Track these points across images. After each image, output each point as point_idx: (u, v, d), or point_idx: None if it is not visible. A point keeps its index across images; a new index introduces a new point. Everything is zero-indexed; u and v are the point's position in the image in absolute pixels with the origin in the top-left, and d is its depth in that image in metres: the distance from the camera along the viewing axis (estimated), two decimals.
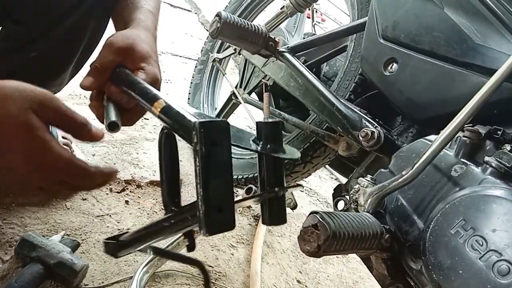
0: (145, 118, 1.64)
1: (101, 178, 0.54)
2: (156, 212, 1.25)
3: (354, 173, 1.01)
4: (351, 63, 1.15)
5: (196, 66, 1.82)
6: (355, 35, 1.11)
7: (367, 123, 0.88)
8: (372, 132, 0.84)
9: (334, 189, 1.05)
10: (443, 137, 0.67)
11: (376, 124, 0.89)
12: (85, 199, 1.16)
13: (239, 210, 1.44)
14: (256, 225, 1.43)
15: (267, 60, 1.24)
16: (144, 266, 1.02)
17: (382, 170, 0.83)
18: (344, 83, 1.15)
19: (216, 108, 1.70)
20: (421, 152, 0.70)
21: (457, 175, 0.70)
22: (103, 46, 0.65)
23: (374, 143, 0.85)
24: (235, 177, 1.34)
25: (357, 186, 0.78)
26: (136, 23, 0.73)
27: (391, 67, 0.87)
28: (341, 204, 1.02)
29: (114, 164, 1.30)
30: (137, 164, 1.35)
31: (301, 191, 1.71)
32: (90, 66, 0.63)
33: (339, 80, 1.17)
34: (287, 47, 1.09)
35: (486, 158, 0.67)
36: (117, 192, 1.23)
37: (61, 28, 0.84)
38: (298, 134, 1.21)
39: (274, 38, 1.10)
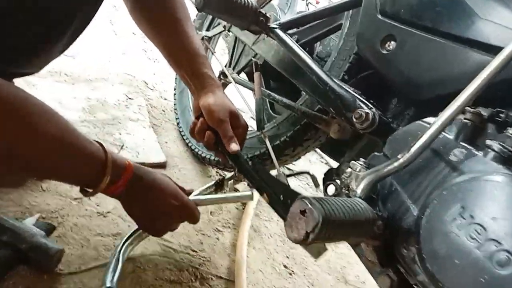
0: (129, 98, 1.58)
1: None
2: None
3: (346, 156, 0.97)
4: (346, 42, 1.10)
5: None
6: (351, 11, 1.05)
7: (362, 104, 0.83)
8: (367, 114, 0.80)
9: (325, 174, 1.00)
10: (442, 119, 0.62)
11: (371, 105, 0.84)
12: None
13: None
14: (243, 209, 1.39)
15: (258, 38, 1.18)
16: (127, 238, 0.96)
17: (376, 153, 0.78)
18: (338, 63, 1.10)
19: None
20: (418, 135, 0.65)
21: (456, 160, 0.65)
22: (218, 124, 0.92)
23: (368, 125, 0.80)
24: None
25: (349, 170, 0.74)
26: (210, 85, 0.96)
27: (388, 45, 0.82)
28: (331, 189, 0.98)
29: None
30: (119, 145, 1.29)
31: (289, 175, 1.67)
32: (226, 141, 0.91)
33: (332, 60, 1.12)
34: (279, 23, 1.03)
35: (488, 142, 0.63)
36: None
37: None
38: (289, 115, 1.16)
39: (265, 13, 1.04)
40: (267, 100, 1.25)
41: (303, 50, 0.98)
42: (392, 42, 0.82)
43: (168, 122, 1.60)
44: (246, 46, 1.28)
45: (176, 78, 1.71)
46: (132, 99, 1.58)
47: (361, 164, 0.73)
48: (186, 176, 1.39)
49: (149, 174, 0.79)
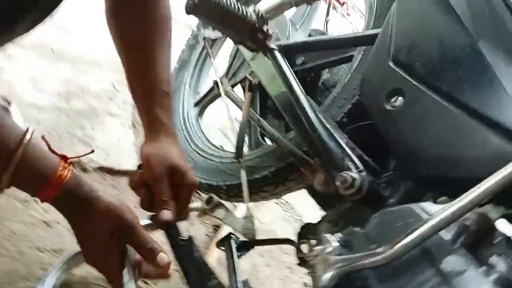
0: (115, 89, 1.45)
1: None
2: None
3: (328, 215, 0.83)
4: (353, 79, 0.96)
5: (188, 41, 1.61)
6: (364, 47, 0.91)
7: (350, 165, 0.69)
8: (353, 180, 0.66)
9: (301, 228, 0.87)
10: (445, 215, 0.49)
11: (362, 167, 0.70)
12: None
13: (199, 219, 1.26)
14: (215, 237, 1.26)
15: (257, 53, 1.04)
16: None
17: (356, 230, 0.65)
18: (339, 101, 0.96)
19: (199, 93, 1.50)
20: (410, 225, 0.52)
21: (448, 270, 0.51)
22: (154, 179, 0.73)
23: (353, 193, 0.66)
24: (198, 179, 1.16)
25: (318, 248, 0.60)
26: (157, 130, 0.77)
27: (395, 100, 0.68)
28: (305, 248, 0.85)
29: (61, 138, 1.11)
30: (89, 143, 1.17)
31: (276, 203, 1.54)
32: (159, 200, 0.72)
33: (334, 96, 0.98)
34: (279, 44, 0.89)
35: (494, 259, 0.49)
36: None
37: None
38: (276, 148, 1.03)
39: (266, 30, 0.90)
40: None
41: (297, 82, 0.84)
42: (400, 98, 0.67)
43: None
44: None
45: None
46: (119, 91, 1.46)
47: (335, 243, 0.60)
48: None
49: (87, 194, 0.59)
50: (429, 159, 0.62)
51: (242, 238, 0.87)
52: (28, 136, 0.52)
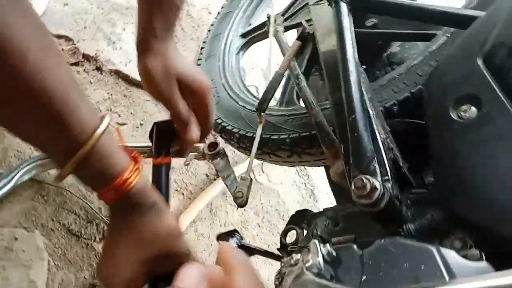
0: None
1: None
2: (100, 110, 0.99)
3: (330, 209, 0.70)
4: (424, 63, 0.77)
5: None
6: (453, 29, 0.72)
7: (377, 168, 0.55)
8: (372, 189, 0.51)
9: (296, 212, 0.75)
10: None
11: (389, 176, 0.56)
12: None
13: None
14: (214, 180, 1.17)
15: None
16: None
17: (353, 248, 0.52)
18: (398, 84, 0.78)
19: (250, 24, 1.34)
20: (422, 273, 0.39)
21: None
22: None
23: (367, 204, 0.52)
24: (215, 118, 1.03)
25: (295, 257, 0.48)
26: (159, 37, 0.61)
27: (465, 109, 0.51)
28: (291, 235, 0.74)
29: (85, 28, 1.01)
30: (114, 42, 1.06)
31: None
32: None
33: (394, 76, 0.80)
34: None
35: None
36: (67, 63, 0.96)
37: None
38: (305, 114, 0.88)
39: None
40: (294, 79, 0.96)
41: (353, 49, 0.67)
42: (473, 109, 0.50)
43: (192, 41, 1.34)
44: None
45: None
46: None
47: (318, 258, 0.47)
48: None
49: (148, 208, 0.49)
50: (486, 200, 0.47)
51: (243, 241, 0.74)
52: (101, 129, 0.43)
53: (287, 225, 0.74)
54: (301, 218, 0.73)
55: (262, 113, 0.84)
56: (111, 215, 0.50)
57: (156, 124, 0.67)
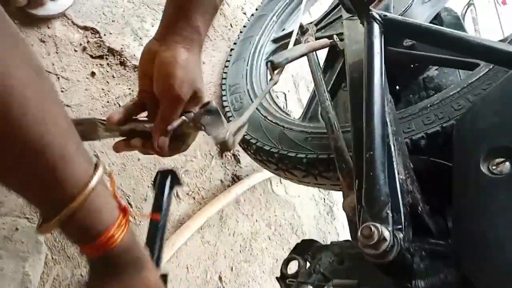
0: None
1: None
2: (119, 105, 0.97)
3: (336, 245, 0.65)
4: (461, 96, 0.71)
5: None
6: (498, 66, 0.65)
7: (390, 215, 0.49)
8: (380, 240, 0.46)
9: (302, 241, 0.71)
10: None
11: (403, 224, 0.50)
12: (44, 41, 0.89)
13: (218, 154, 1.14)
14: (229, 186, 1.14)
15: (354, 15, 0.81)
16: None
17: None
18: (429, 116, 0.72)
19: (284, 29, 1.29)
20: None
21: None
22: (168, 95, 0.58)
23: (374, 255, 0.47)
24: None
25: None
26: (190, 37, 0.60)
27: (498, 164, 0.45)
28: (293, 265, 0.69)
29: (113, 21, 1.00)
30: (140, 38, 1.04)
31: None
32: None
33: (427, 105, 0.74)
34: (384, 16, 0.65)
35: None
36: (91, 55, 0.95)
37: None
38: (326, 133, 0.83)
39: None
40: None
41: (382, 76, 0.61)
42: (507, 164, 0.44)
43: (222, 41, 1.31)
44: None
45: None
46: None
47: None
48: None
49: (132, 263, 0.47)
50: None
51: None
52: (93, 182, 0.41)
53: (290, 253, 0.69)
54: (306, 249, 0.68)
55: (275, 68, 0.67)
56: (91, 269, 0.47)
57: (161, 172, 0.64)
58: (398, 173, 0.55)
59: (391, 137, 0.58)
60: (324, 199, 1.38)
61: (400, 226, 0.50)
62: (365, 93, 0.59)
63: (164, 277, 0.54)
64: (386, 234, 0.47)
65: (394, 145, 0.58)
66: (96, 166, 0.42)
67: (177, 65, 0.58)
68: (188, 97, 0.60)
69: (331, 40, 0.88)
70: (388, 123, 0.59)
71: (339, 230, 1.38)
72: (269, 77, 1.19)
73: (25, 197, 0.41)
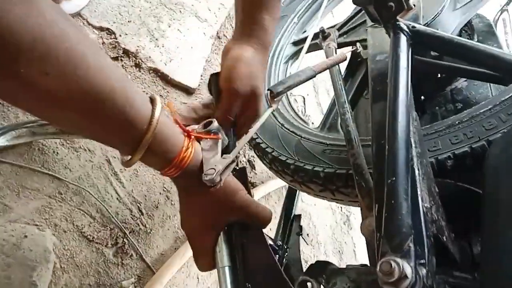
0: None
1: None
2: None
3: (354, 270, 0.61)
4: (492, 115, 0.65)
5: None
6: None
7: (411, 249, 0.45)
8: (401, 278, 0.43)
9: (316, 263, 0.67)
10: None
11: (426, 259, 0.46)
12: None
13: None
14: None
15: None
16: None
17: None
18: (457, 134, 0.67)
19: (304, 31, 1.25)
20: None
21: None
22: (227, 90, 0.64)
23: None
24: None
25: None
26: (256, 35, 0.67)
27: None
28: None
29: (129, 22, 0.97)
30: (157, 39, 1.02)
31: None
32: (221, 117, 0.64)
33: (454, 123, 0.69)
34: (411, 26, 0.61)
35: None
36: None
37: None
38: (344, 148, 0.79)
39: (406, 1, 0.61)
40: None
41: (408, 88, 0.57)
42: None
43: None
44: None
45: None
46: None
47: None
48: None
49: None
50: None
51: None
52: (157, 113, 0.48)
53: (304, 274, 0.66)
54: (320, 271, 0.65)
55: (273, 96, 0.66)
56: (178, 188, 0.57)
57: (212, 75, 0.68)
58: (423, 200, 0.51)
59: (415, 159, 0.54)
60: (341, 208, 1.34)
61: (423, 261, 0.46)
62: (389, 111, 0.55)
63: (242, 170, 0.62)
64: (408, 271, 0.43)
65: (418, 169, 0.54)
66: (153, 101, 0.48)
67: (241, 61, 0.64)
68: (245, 92, 0.64)
69: (353, 49, 0.83)
70: (413, 144, 0.55)
71: (355, 241, 1.34)
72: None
73: (105, 141, 0.49)
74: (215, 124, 0.64)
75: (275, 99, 0.66)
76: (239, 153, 0.69)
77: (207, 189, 0.55)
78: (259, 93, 0.66)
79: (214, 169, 0.56)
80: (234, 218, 0.57)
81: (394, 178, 0.50)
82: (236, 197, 0.57)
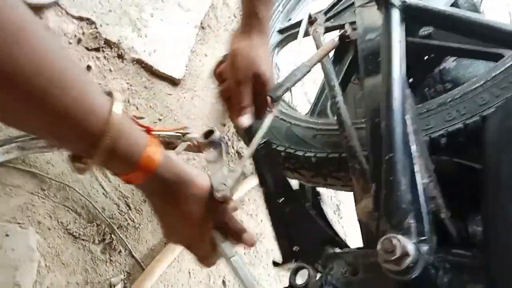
0: None
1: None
2: None
3: (349, 254, 0.60)
4: (485, 90, 0.64)
5: None
6: None
7: (413, 225, 0.44)
8: (403, 255, 0.41)
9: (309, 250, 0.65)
10: None
11: (428, 235, 0.45)
12: None
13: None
14: None
15: (369, 1, 0.75)
16: None
17: None
18: (450, 111, 0.66)
19: (290, 20, 1.23)
20: None
21: None
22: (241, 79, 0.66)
23: (396, 272, 0.42)
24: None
25: None
26: (249, 24, 0.70)
27: None
28: (302, 275, 0.64)
29: (109, 11, 0.94)
30: (139, 28, 0.99)
31: None
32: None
33: (446, 101, 0.68)
34: (403, 0, 0.59)
35: None
36: (86, 48, 0.90)
37: None
38: (337, 130, 0.78)
39: None
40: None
41: (402, 64, 0.56)
42: None
43: (226, 32, 1.25)
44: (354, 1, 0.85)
45: None
46: None
47: None
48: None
49: (181, 175, 0.51)
50: None
51: None
52: (116, 109, 0.41)
53: (299, 261, 0.64)
54: (315, 256, 0.63)
55: (274, 103, 0.69)
56: (148, 195, 0.51)
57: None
58: (421, 177, 0.49)
59: (411, 137, 0.53)
60: (331, 197, 1.33)
61: (424, 238, 0.45)
62: (384, 87, 0.54)
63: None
64: (409, 248, 0.42)
65: (415, 145, 0.52)
66: (110, 94, 0.42)
67: (238, 51, 0.67)
68: (249, 80, 0.66)
69: (342, 31, 0.82)
70: (409, 121, 0.54)
71: (346, 229, 1.33)
72: (276, 71, 1.14)
73: (62, 139, 0.42)
74: (217, 134, 0.63)
75: (275, 103, 0.68)
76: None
77: (186, 189, 0.51)
78: (263, 75, 0.67)
79: (225, 184, 0.55)
80: (220, 216, 0.55)
81: (391, 154, 0.48)
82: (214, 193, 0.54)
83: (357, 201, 0.63)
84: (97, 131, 0.40)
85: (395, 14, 0.60)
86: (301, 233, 0.65)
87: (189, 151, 0.73)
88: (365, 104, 0.61)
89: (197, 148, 0.72)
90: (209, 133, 0.66)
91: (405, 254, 0.41)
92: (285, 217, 0.65)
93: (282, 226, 0.66)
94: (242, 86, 0.67)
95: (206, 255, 0.56)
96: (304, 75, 0.72)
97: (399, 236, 0.42)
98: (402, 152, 0.49)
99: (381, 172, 0.49)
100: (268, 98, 0.67)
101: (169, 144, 0.77)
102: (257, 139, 0.65)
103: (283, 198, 0.65)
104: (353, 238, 1.34)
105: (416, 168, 0.50)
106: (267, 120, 0.67)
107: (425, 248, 0.44)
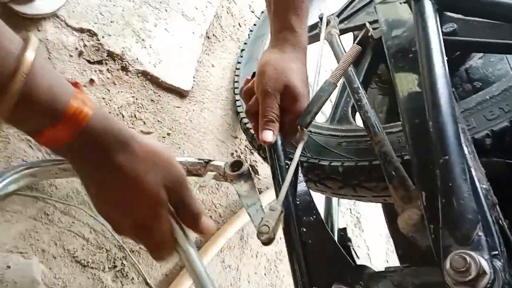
0: None
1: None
2: (123, 115, 0.86)
3: (395, 272, 0.53)
4: None
5: None
6: None
7: (482, 239, 0.38)
8: (479, 274, 0.35)
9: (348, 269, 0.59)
10: None
11: (499, 249, 0.38)
12: None
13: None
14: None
15: None
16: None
17: None
18: (492, 110, 0.61)
19: None
20: None
21: None
22: (263, 90, 0.63)
23: None
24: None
25: None
26: (283, 38, 0.67)
27: None
28: None
29: (111, 22, 0.89)
30: (143, 39, 0.94)
31: None
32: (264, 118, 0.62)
33: (485, 99, 0.62)
34: None
35: None
36: (88, 61, 0.85)
37: None
38: (364, 137, 0.72)
39: None
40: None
41: (443, 58, 0.50)
42: None
43: (231, 42, 1.20)
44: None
45: None
46: None
47: None
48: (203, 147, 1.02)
49: (122, 134, 0.41)
50: None
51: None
52: (29, 54, 0.34)
53: (337, 281, 0.57)
54: (356, 277, 0.56)
55: (304, 129, 0.66)
56: (77, 162, 0.41)
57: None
58: (479, 181, 0.43)
59: (462, 137, 0.47)
60: (350, 209, 1.26)
61: (496, 252, 0.38)
62: (427, 84, 0.48)
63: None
64: (485, 265, 0.35)
65: (466, 146, 0.47)
66: (27, 40, 0.35)
67: (267, 64, 0.64)
68: (277, 92, 0.62)
69: (363, 32, 0.77)
70: (458, 119, 0.48)
71: (368, 243, 1.26)
72: None
73: None
74: (246, 166, 0.62)
75: (304, 131, 0.64)
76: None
77: (134, 149, 0.41)
78: (293, 88, 0.63)
79: (267, 225, 0.50)
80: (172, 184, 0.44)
81: (446, 157, 0.42)
82: (171, 161, 0.45)
83: (398, 213, 0.56)
84: (6, 73, 0.33)
85: (428, 5, 0.54)
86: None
87: (217, 180, 0.70)
88: (400, 107, 0.55)
89: (224, 177, 0.68)
90: (235, 164, 0.65)
91: (482, 273, 0.35)
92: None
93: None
94: (269, 98, 0.63)
95: (161, 243, 0.45)
96: (330, 94, 0.67)
97: (471, 252, 0.36)
98: (457, 154, 0.43)
99: (431, 178, 0.43)
100: (299, 129, 0.63)
101: (190, 172, 0.72)
102: (290, 173, 0.58)
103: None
104: (376, 252, 1.27)
105: (473, 172, 0.44)
106: (298, 150, 0.62)
107: (498, 263, 0.37)
